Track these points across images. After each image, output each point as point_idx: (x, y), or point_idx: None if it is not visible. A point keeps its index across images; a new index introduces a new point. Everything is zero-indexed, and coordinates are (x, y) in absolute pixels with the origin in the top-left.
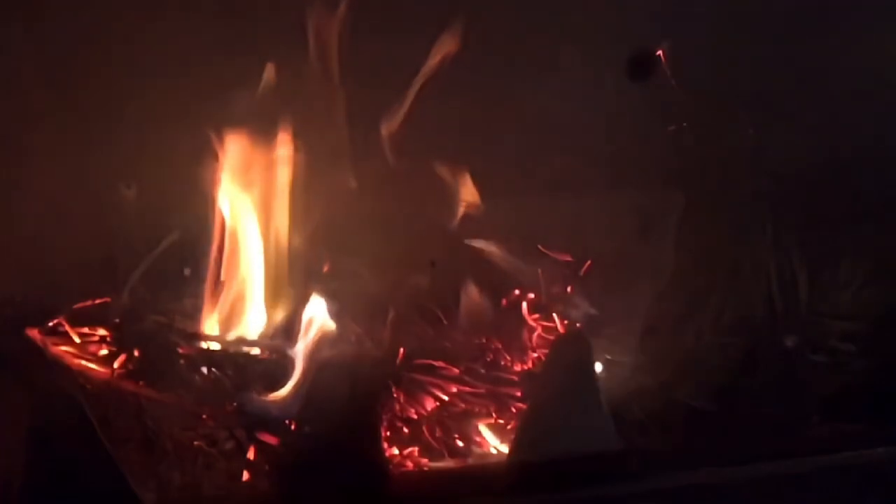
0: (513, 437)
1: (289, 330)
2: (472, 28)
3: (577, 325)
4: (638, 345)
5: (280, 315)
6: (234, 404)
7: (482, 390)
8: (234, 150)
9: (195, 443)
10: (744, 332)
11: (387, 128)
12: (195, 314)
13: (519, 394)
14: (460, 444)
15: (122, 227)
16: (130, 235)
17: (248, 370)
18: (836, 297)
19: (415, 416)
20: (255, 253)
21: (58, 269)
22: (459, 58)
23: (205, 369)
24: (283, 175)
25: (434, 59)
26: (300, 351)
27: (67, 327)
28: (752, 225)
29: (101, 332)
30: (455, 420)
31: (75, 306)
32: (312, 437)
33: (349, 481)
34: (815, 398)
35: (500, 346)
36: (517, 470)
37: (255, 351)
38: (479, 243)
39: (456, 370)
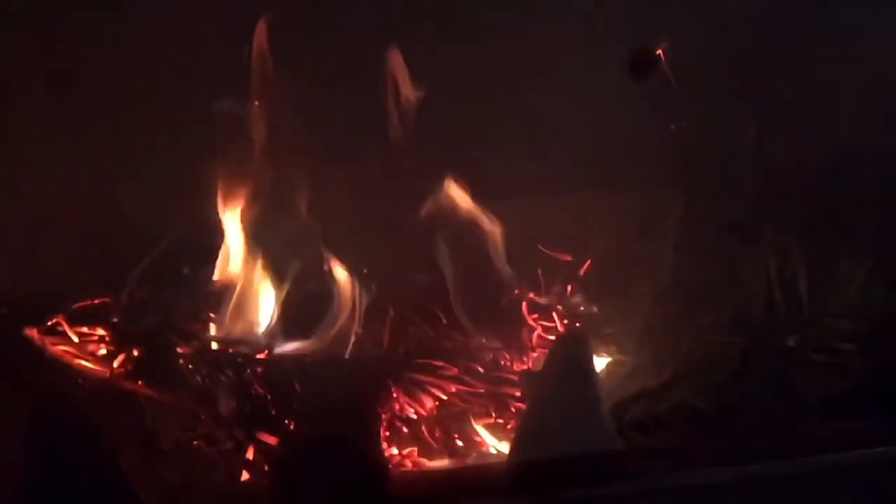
0: (513, 436)
1: (288, 330)
2: (472, 28)
3: (577, 325)
4: (638, 345)
5: (279, 315)
6: (234, 404)
7: (481, 390)
8: (233, 150)
9: (195, 443)
10: (744, 332)
11: (387, 128)
12: (195, 314)
13: (518, 394)
14: (460, 444)
15: (122, 227)
16: (130, 235)
17: (247, 370)
18: (836, 297)
19: (414, 416)
20: (255, 254)
21: (57, 268)
22: (460, 58)
23: (204, 369)
24: (283, 175)
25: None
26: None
27: (66, 327)
28: (752, 224)
29: (100, 331)
30: (455, 420)
31: (74, 306)
32: (312, 437)
33: (349, 481)
34: (815, 398)
35: (499, 345)
36: (517, 470)
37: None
38: (479, 243)
39: (455, 370)
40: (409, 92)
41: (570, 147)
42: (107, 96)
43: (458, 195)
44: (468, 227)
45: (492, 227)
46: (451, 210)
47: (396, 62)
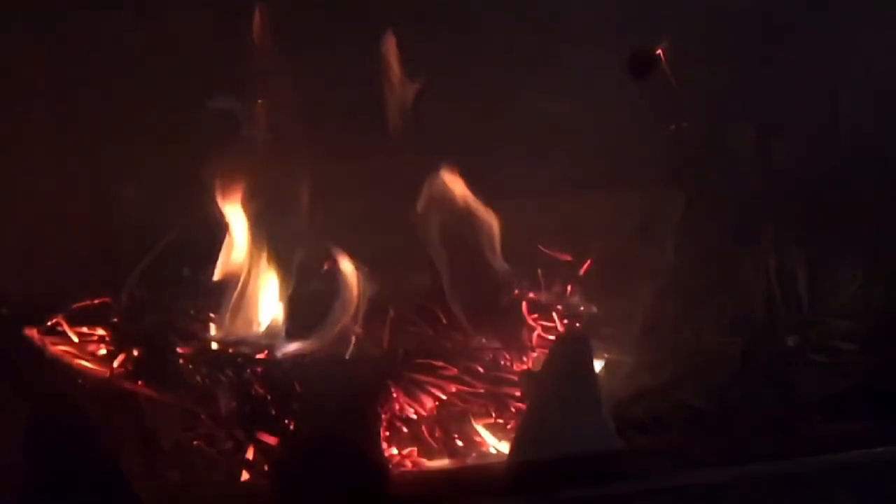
0: (513, 437)
1: (288, 330)
2: (472, 27)
3: (577, 325)
4: (638, 345)
5: (279, 315)
6: (234, 404)
7: (481, 390)
8: (232, 149)
9: (195, 443)
10: (744, 332)
11: (387, 127)
12: (195, 314)
13: (518, 394)
14: (460, 444)
15: (122, 227)
16: (130, 235)
17: (247, 370)
18: (836, 297)
19: (414, 416)
20: (255, 253)
21: (57, 268)
22: (459, 57)
23: (204, 369)
24: (282, 174)
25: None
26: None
27: (66, 327)
28: (752, 225)
29: (100, 331)
30: (455, 420)
31: (74, 305)
32: (312, 437)
33: (349, 481)
34: (815, 398)
35: (499, 345)
36: (517, 470)
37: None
38: (479, 242)
39: (455, 370)
40: (408, 90)
41: (570, 147)
42: (107, 96)
43: (457, 194)
44: (468, 227)
45: (491, 227)
46: (451, 209)
47: (396, 60)
